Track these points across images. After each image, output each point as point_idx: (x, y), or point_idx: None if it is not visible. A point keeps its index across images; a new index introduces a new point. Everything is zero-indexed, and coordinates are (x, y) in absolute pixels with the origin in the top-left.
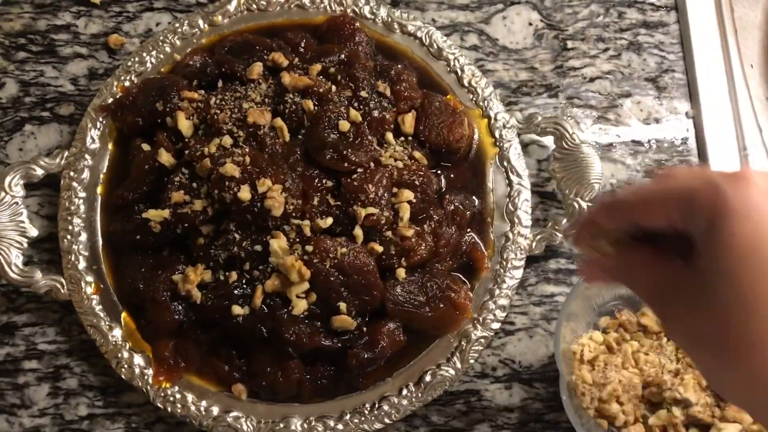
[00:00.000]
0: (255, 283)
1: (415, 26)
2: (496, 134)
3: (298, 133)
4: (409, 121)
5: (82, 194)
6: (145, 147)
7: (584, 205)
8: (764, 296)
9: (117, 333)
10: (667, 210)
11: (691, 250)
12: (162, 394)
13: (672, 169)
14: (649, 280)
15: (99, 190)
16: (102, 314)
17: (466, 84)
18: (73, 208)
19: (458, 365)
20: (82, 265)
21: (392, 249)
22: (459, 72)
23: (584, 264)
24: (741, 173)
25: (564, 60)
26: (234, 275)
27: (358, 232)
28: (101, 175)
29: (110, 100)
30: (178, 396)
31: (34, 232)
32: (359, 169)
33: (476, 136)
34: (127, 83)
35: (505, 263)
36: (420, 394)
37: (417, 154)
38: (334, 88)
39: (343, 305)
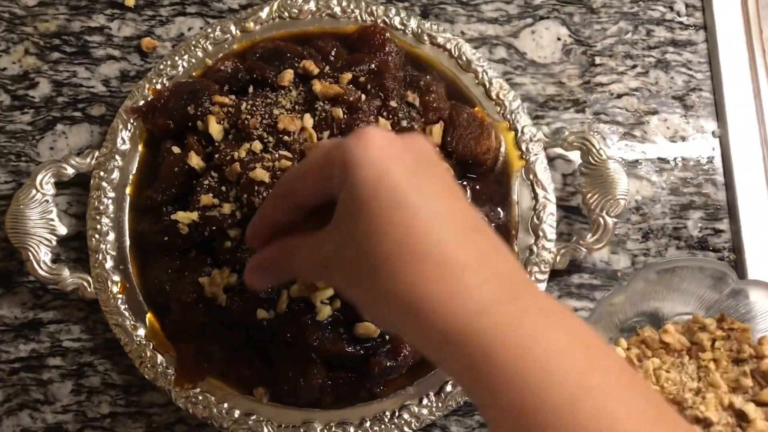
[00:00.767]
0: (280, 288)
1: (444, 38)
2: (523, 147)
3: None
4: (437, 132)
5: (111, 194)
6: (176, 150)
7: (610, 221)
8: (389, 223)
9: (141, 333)
10: (314, 177)
11: None
12: (184, 395)
13: (317, 144)
14: (306, 252)
15: (128, 190)
16: (127, 314)
17: (494, 96)
18: (102, 207)
19: None
20: (109, 264)
21: None
22: (487, 84)
23: (248, 270)
24: (363, 131)
25: (591, 76)
26: None
27: None
28: (130, 176)
29: (142, 103)
30: (200, 397)
31: (62, 230)
32: None
33: (503, 149)
34: (158, 86)
35: (528, 276)
36: (440, 404)
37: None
38: (363, 97)
39: None
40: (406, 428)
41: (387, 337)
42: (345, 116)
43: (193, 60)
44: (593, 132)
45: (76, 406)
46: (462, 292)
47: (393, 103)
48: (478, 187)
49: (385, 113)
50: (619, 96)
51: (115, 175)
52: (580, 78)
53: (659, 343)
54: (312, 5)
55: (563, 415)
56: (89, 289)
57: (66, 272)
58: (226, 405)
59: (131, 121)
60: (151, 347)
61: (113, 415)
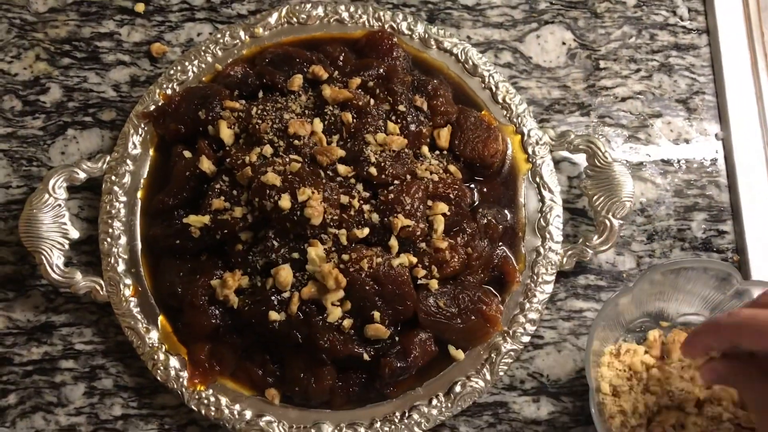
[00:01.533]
0: (291, 290)
1: (451, 43)
2: (529, 150)
3: (336, 145)
4: (444, 136)
5: (123, 198)
6: (187, 154)
7: (616, 222)
8: None
9: (154, 335)
10: None
11: None
12: (196, 397)
13: None
14: (756, 391)
15: (139, 194)
16: (139, 316)
17: (500, 100)
18: (113, 211)
19: (488, 377)
20: (121, 267)
21: (426, 260)
22: (493, 88)
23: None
24: None
25: (596, 79)
26: (271, 281)
27: (394, 242)
28: (142, 180)
29: (152, 107)
30: (212, 399)
31: (75, 234)
32: (396, 181)
33: (509, 152)
34: (169, 91)
35: (535, 278)
36: (449, 405)
37: (452, 168)
38: (372, 101)
39: (377, 314)
40: (415, 428)
41: (397, 338)
42: (354, 120)
43: (203, 65)
44: (598, 135)
45: (89, 408)
46: None
47: (401, 108)
48: (485, 189)
49: (393, 117)
50: (624, 99)
51: (127, 179)
52: (585, 82)
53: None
54: (320, 11)
55: None
56: (101, 293)
57: (78, 276)
58: (237, 406)
59: (142, 125)
60: (163, 350)
61: (125, 417)
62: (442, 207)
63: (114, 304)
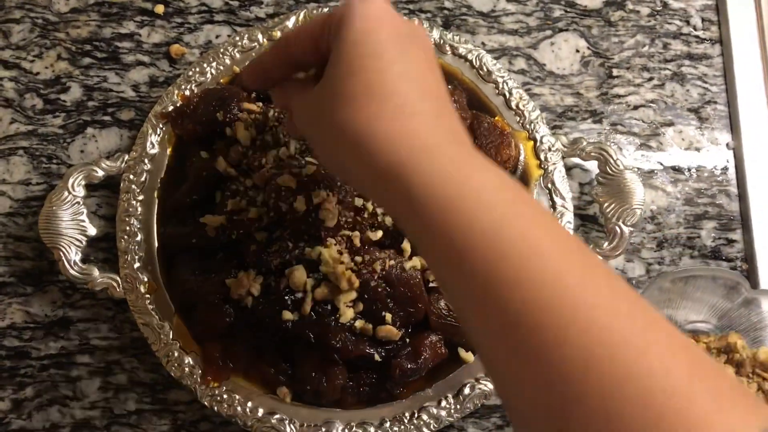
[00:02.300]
0: (305, 290)
1: (465, 49)
2: (542, 156)
3: None
4: None
5: (140, 197)
6: (204, 154)
7: (626, 229)
8: (363, 67)
9: (168, 332)
10: (314, 32)
11: None
12: (209, 394)
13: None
14: (295, 101)
15: (156, 193)
16: (154, 313)
17: (514, 107)
18: (131, 209)
19: None
20: (137, 265)
21: None
22: (507, 95)
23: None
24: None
25: (609, 87)
26: (285, 281)
27: (407, 245)
28: (159, 179)
29: (171, 108)
30: (224, 396)
31: (92, 231)
32: None
33: (522, 158)
34: (187, 92)
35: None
36: (458, 406)
37: None
38: None
39: (388, 316)
40: (424, 429)
41: (408, 340)
42: None
43: (221, 67)
44: (610, 142)
45: (104, 403)
46: (411, 132)
47: None
48: None
49: None
50: (636, 107)
51: (145, 178)
52: (598, 89)
53: None
54: None
55: (489, 237)
56: (118, 289)
57: (96, 272)
58: (249, 404)
59: (160, 125)
60: (177, 346)
61: (139, 412)
62: None
63: (130, 300)
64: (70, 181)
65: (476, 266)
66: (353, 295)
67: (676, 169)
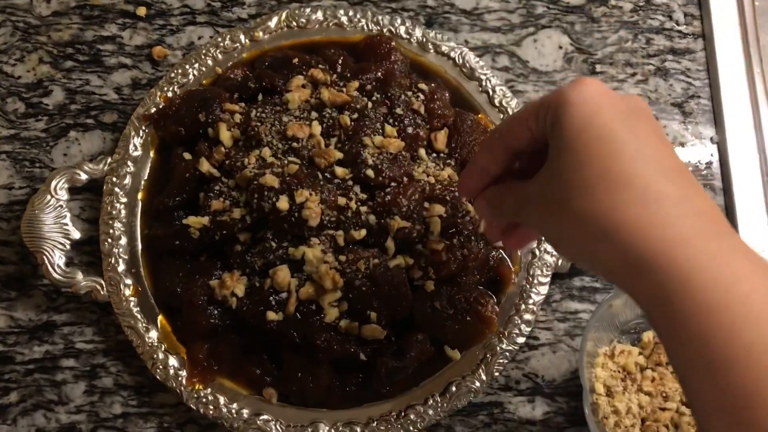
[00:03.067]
0: (289, 290)
1: (448, 47)
2: None
3: (335, 147)
4: (441, 139)
5: (124, 199)
6: (187, 156)
7: None
8: (594, 154)
9: (153, 335)
10: (529, 121)
11: None
12: (195, 396)
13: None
14: (516, 198)
15: (140, 196)
16: (139, 316)
17: (497, 104)
18: (114, 212)
19: (483, 377)
20: (121, 267)
21: (422, 262)
22: (490, 92)
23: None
24: (580, 78)
25: None
26: (269, 282)
27: (390, 244)
28: (142, 182)
29: (153, 110)
30: (210, 398)
31: (76, 235)
32: (393, 184)
33: None
34: (170, 94)
35: (531, 279)
36: (445, 404)
37: (448, 171)
38: (370, 104)
39: (373, 315)
40: (411, 428)
41: (393, 338)
42: (352, 123)
43: (204, 68)
44: None
45: (89, 407)
46: (662, 220)
47: (399, 111)
48: None
49: (390, 120)
50: None
51: (128, 180)
52: None
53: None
54: (319, 15)
55: (756, 353)
56: (102, 292)
57: (79, 275)
58: (235, 405)
59: (143, 128)
60: (162, 349)
61: (125, 416)
62: (439, 209)
63: (114, 303)
64: (53, 184)
65: (734, 381)
66: (338, 294)
67: None
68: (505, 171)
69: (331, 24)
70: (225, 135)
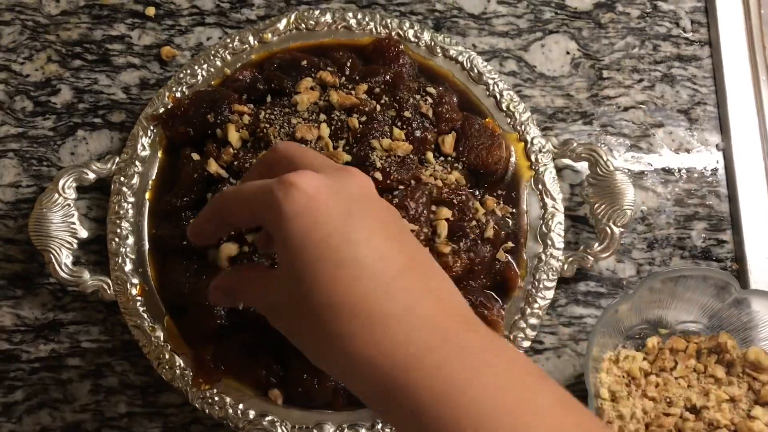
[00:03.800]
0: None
1: (456, 51)
2: (532, 158)
3: (343, 149)
4: (449, 142)
5: (131, 199)
6: (195, 156)
7: (616, 230)
8: (317, 279)
9: (159, 334)
10: (247, 212)
11: None
12: (201, 396)
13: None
14: (258, 291)
15: (147, 195)
16: (146, 316)
17: (505, 108)
18: (122, 212)
19: None
20: (128, 267)
21: None
22: (498, 96)
23: (213, 288)
24: (289, 178)
25: (599, 89)
26: None
27: None
28: (150, 182)
29: (162, 110)
30: (216, 398)
31: (83, 234)
32: (401, 186)
33: (513, 159)
34: (178, 94)
35: (537, 284)
36: None
37: (456, 174)
38: (378, 107)
39: None
40: None
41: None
42: (360, 126)
43: (212, 69)
44: (601, 144)
45: (95, 406)
46: (389, 346)
47: (407, 114)
48: (488, 195)
49: (399, 123)
50: (626, 109)
51: (135, 180)
52: (588, 91)
53: (668, 353)
54: (328, 17)
55: None
56: (109, 292)
57: (86, 275)
58: (241, 406)
59: (151, 128)
60: (168, 349)
61: (130, 415)
62: (446, 212)
63: (121, 303)
64: (61, 183)
65: None
66: None
67: (667, 170)
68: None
69: (339, 26)
70: (234, 136)
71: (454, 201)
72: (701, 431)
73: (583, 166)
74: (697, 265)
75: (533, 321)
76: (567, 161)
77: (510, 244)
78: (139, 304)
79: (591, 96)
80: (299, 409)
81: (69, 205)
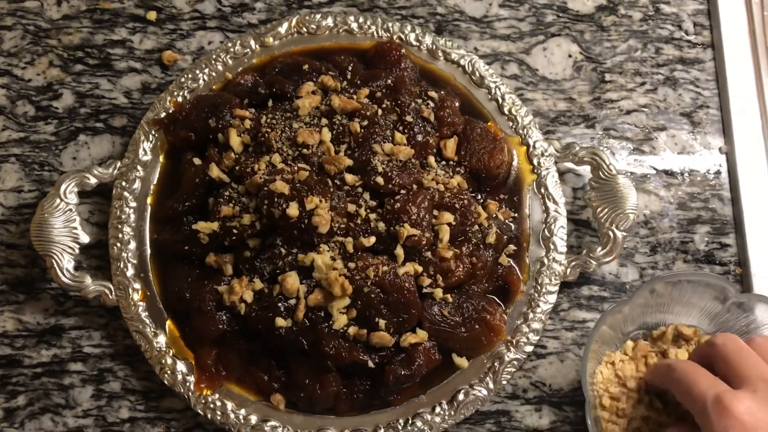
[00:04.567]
0: (298, 297)
1: (458, 54)
2: (535, 162)
3: (344, 154)
4: (451, 146)
5: (133, 204)
6: (196, 161)
7: (620, 234)
8: None
9: (161, 339)
10: (685, 398)
11: None
12: (202, 401)
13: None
14: None
15: (149, 200)
16: (147, 321)
17: (507, 112)
18: (123, 216)
19: (491, 386)
20: (130, 272)
21: (431, 269)
22: (500, 100)
23: None
24: (724, 400)
25: (601, 92)
26: (278, 288)
27: (400, 251)
28: (152, 186)
29: (163, 115)
30: (218, 403)
31: (85, 239)
32: (402, 191)
33: (515, 163)
34: (179, 99)
35: (539, 288)
36: (452, 413)
37: (458, 178)
38: (380, 111)
39: (382, 322)
40: None
41: (401, 346)
42: (362, 130)
43: (214, 73)
44: (603, 147)
45: (97, 411)
46: None
47: (408, 118)
48: (490, 200)
49: (400, 127)
50: (629, 112)
51: (137, 185)
52: (591, 94)
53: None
54: (330, 21)
55: None
56: (110, 297)
57: (88, 279)
58: (243, 411)
59: (153, 132)
60: (170, 354)
61: (132, 420)
62: (448, 217)
63: (122, 308)
64: (62, 188)
65: None
66: (346, 301)
67: (669, 174)
68: None
69: (341, 30)
70: (235, 141)
71: (456, 205)
72: None
73: (585, 170)
74: (700, 268)
75: (536, 325)
76: (569, 165)
77: (512, 248)
78: (140, 309)
79: (593, 99)
80: (301, 414)
81: (71, 210)
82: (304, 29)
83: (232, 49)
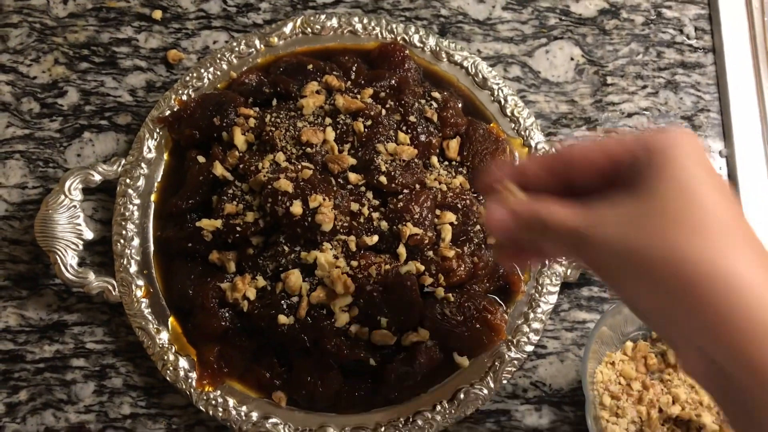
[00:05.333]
0: (300, 295)
1: (461, 56)
2: None
3: (348, 153)
4: (453, 147)
5: (137, 201)
6: (201, 159)
7: None
8: (704, 199)
9: (164, 336)
10: (611, 152)
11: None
12: (204, 398)
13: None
14: (568, 214)
15: (153, 197)
16: (150, 317)
17: (509, 113)
18: (127, 213)
19: (491, 385)
20: (133, 269)
21: (433, 268)
22: (502, 102)
23: (494, 207)
24: (675, 131)
25: (603, 95)
26: (280, 285)
27: (402, 250)
28: (156, 184)
29: (168, 113)
30: (219, 400)
31: (89, 235)
32: (405, 190)
33: None
34: (184, 97)
35: (540, 288)
36: (453, 411)
37: (460, 178)
38: (383, 111)
39: (383, 320)
40: None
41: (403, 344)
42: (365, 130)
43: (218, 72)
44: None
45: (99, 407)
46: None
47: (412, 118)
48: None
49: (404, 128)
50: (630, 115)
51: (141, 182)
52: (592, 97)
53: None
54: (334, 22)
55: None
56: (113, 293)
57: (91, 276)
58: (244, 408)
59: (157, 130)
60: (173, 350)
61: (134, 416)
62: (450, 216)
63: (125, 304)
64: (67, 184)
65: None
66: (348, 299)
67: None
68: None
69: (345, 31)
70: (239, 139)
71: (459, 205)
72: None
73: None
74: None
75: (536, 325)
76: None
77: None
78: (143, 305)
79: (595, 102)
80: (302, 412)
81: (75, 206)
82: (309, 30)
83: (237, 49)
